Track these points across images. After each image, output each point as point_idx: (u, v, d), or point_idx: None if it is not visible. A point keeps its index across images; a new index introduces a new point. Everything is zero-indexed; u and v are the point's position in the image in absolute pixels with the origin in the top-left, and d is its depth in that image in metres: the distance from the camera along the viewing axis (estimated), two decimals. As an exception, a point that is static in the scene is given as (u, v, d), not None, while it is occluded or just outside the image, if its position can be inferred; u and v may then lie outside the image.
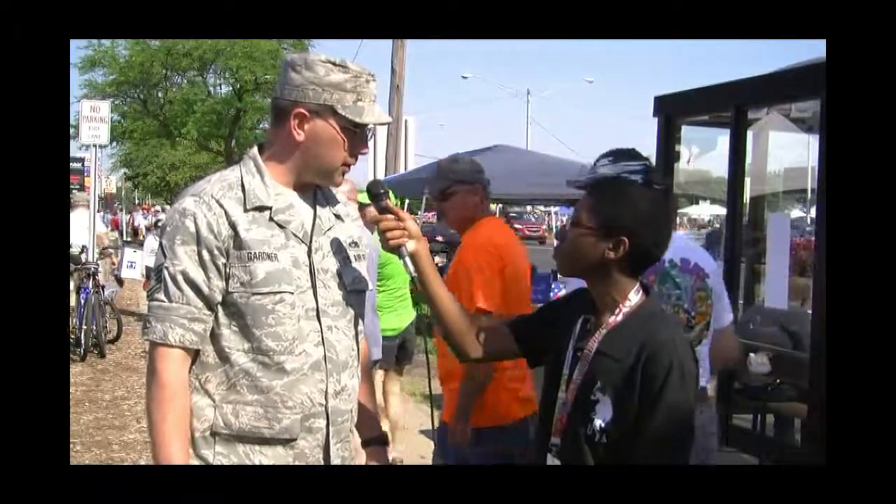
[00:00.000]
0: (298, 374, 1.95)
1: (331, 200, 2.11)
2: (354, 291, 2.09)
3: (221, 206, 1.93)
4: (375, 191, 2.06)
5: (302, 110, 1.94)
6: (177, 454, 1.83)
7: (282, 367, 1.93)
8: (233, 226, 1.92)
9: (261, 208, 1.95)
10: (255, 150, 2.05)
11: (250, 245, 1.92)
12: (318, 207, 2.06)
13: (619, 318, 1.88)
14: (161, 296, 1.91)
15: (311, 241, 2.01)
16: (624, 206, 1.87)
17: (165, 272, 1.91)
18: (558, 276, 10.34)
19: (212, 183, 1.99)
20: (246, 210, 1.94)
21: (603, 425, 1.81)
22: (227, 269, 1.92)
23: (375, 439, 2.22)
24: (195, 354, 1.93)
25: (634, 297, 1.90)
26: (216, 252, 1.91)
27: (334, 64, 1.95)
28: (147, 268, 11.57)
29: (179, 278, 1.90)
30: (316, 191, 2.07)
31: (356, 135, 1.98)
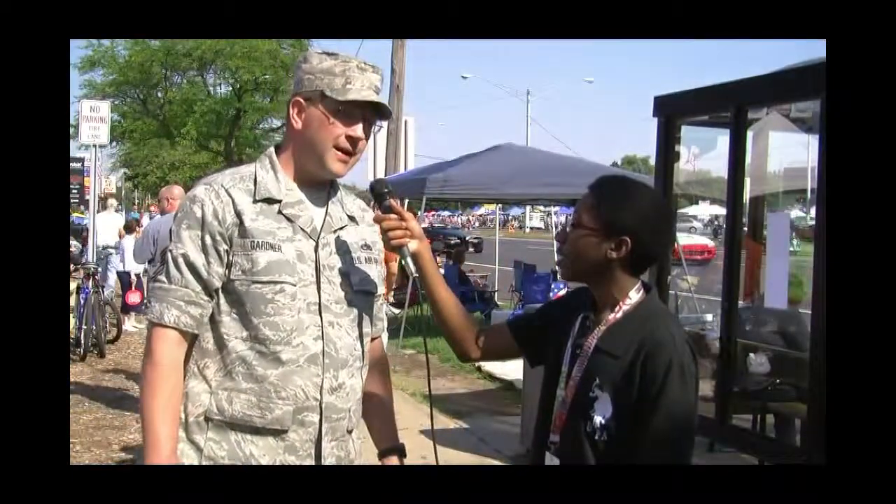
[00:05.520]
0: (293, 366, 1.96)
1: (346, 202, 2.15)
2: (361, 292, 2.09)
3: (230, 195, 1.98)
4: (379, 190, 2.07)
5: (298, 99, 2.00)
6: (163, 433, 1.87)
7: (277, 356, 1.95)
8: (238, 214, 1.97)
9: (270, 200, 2.00)
10: (272, 149, 2.11)
11: (254, 234, 1.96)
12: (330, 206, 2.09)
13: (619, 315, 1.88)
14: (163, 277, 1.97)
15: (318, 237, 2.03)
16: (625, 205, 1.87)
17: (169, 255, 1.97)
18: (558, 276, 10.35)
19: (225, 174, 2.05)
20: (255, 201, 1.99)
21: (603, 422, 1.81)
22: (230, 257, 1.96)
23: (392, 449, 2.18)
24: (193, 339, 1.97)
25: (635, 295, 1.90)
26: (219, 238, 1.96)
27: (327, 54, 2.00)
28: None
29: (181, 261, 1.95)
30: (329, 190, 2.11)
31: (344, 114, 1.98)
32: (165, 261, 1.99)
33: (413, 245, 2.03)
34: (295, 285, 1.97)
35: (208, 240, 1.96)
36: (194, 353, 1.99)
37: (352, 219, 2.13)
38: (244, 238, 1.96)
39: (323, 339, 1.99)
